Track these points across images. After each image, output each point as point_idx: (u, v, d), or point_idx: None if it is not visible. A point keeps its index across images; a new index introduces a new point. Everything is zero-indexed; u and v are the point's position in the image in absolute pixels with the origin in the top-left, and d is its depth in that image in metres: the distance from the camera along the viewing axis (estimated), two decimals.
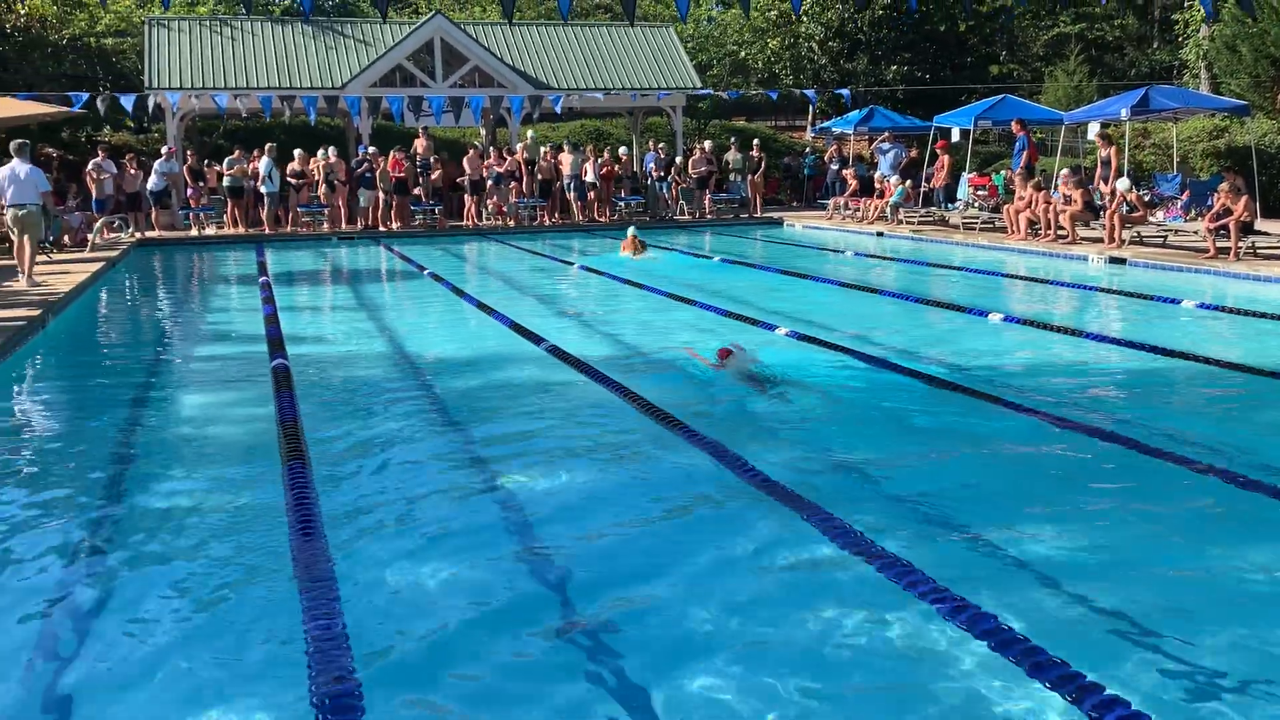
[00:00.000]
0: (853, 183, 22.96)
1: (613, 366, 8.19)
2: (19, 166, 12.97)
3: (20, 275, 13.10)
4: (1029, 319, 10.28)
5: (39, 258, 13.79)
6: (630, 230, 17.30)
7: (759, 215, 24.38)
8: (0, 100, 17.92)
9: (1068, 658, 3.30)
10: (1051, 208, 16.88)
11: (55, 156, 23.70)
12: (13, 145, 13.23)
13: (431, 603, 4.10)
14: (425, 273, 15.20)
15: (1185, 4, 32.23)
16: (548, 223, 23.14)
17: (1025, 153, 18.64)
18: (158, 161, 21.29)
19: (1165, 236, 16.16)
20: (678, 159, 24.97)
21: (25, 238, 12.94)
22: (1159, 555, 4.56)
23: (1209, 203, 15.67)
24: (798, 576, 4.33)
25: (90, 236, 18.32)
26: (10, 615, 4.05)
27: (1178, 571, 4.39)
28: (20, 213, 12.88)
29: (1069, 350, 9.00)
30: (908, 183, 21.54)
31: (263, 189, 21.42)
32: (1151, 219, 16.35)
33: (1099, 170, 17.48)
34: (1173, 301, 11.07)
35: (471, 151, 23.44)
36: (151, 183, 21.15)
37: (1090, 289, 12.51)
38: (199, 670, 3.62)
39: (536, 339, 9.33)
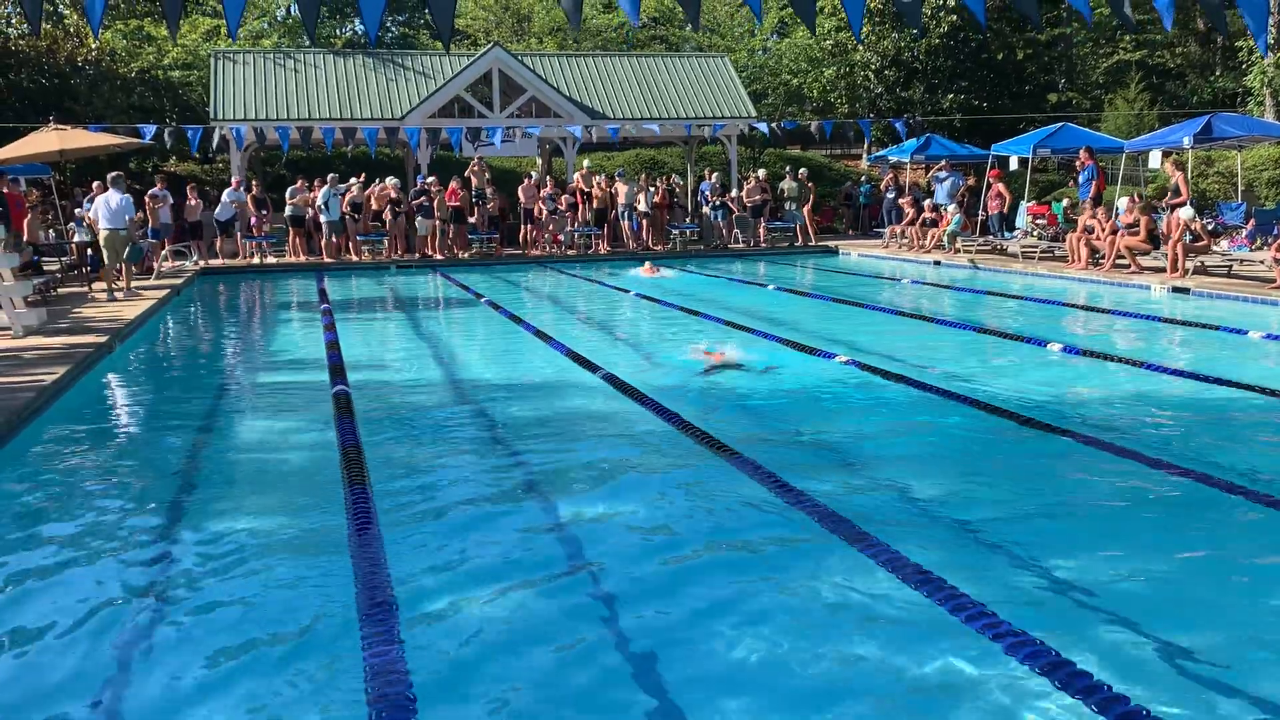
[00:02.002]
0: (910, 210, 22.83)
1: (669, 395, 8.20)
2: (111, 195, 15.06)
3: (109, 291, 15.00)
4: (1090, 349, 10.14)
5: (119, 280, 15.46)
6: (647, 263, 19.82)
7: (814, 244, 24.33)
8: (73, 131, 18.39)
9: (1134, 695, 3.25)
10: (1116, 236, 16.66)
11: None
12: (109, 177, 15.30)
13: (490, 629, 4.12)
14: (482, 300, 15.34)
15: (1249, 32, 31.77)
16: (603, 250, 23.26)
17: (1094, 182, 18.41)
18: (226, 191, 21.78)
19: (1230, 266, 15.89)
20: (733, 191, 25.06)
21: (115, 257, 15.04)
22: (1226, 590, 4.47)
23: (1275, 231, 15.40)
24: (852, 607, 4.29)
25: (155, 265, 18.71)
26: (73, 632, 4.13)
27: (1245, 607, 4.29)
28: (110, 235, 14.90)
29: (1131, 381, 8.86)
30: (963, 208, 21.41)
31: (322, 218, 21.79)
32: (1215, 248, 16.09)
33: (1168, 197, 17.24)
34: (1238, 332, 10.86)
35: (526, 180, 23.68)
36: (218, 212, 21.65)
37: (1153, 319, 12.31)
38: (256, 693, 3.66)
39: (593, 367, 9.37)
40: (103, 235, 15.02)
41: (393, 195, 22.41)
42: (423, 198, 22.21)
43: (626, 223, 23.57)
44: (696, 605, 4.32)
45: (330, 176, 22.00)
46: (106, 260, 15.20)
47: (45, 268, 16.67)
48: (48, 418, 8.01)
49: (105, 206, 14.95)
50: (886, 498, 5.79)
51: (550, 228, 23.21)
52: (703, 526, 5.33)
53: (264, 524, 5.39)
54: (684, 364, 9.95)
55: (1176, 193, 16.79)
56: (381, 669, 3.57)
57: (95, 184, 19.44)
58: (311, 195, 22.10)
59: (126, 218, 14.99)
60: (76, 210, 18.65)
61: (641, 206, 23.50)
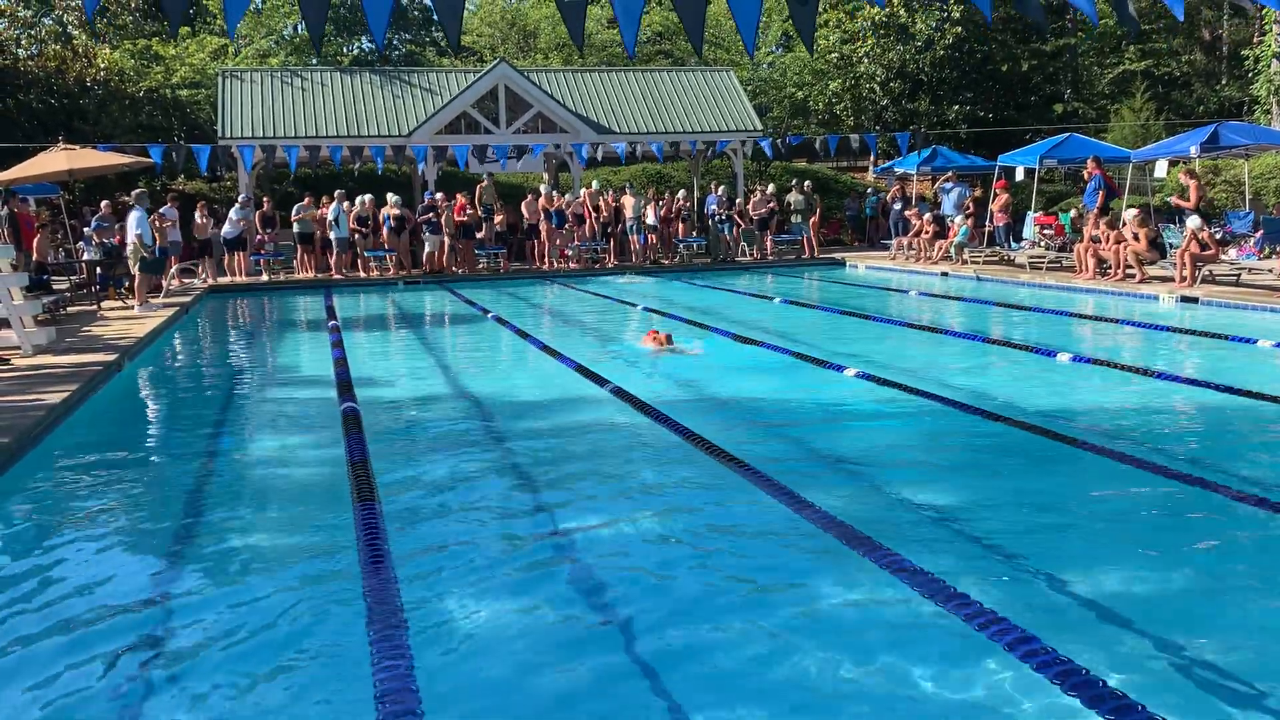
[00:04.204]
0: (917, 222, 22.77)
1: (677, 408, 8.19)
2: (131, 212, 16.28)
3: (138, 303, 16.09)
4: (1099, 359, 10.11)
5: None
6: (626, 275, 21.73)
7: (819, 256, 24.34)
8: (81, 151, 18.47)
9: (1149, 704, 3.23)
10: (1121, 247, 16.64)
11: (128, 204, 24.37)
12: (133, 194, 16.70)
13: (499, 644, 4.11)
14: (489, 316, 15.36)
15: (1255, 40, 31.81)
16: (610, 264, 23.28)
17: (1101, 191, 18.37)
18: (233, 209, 21.84)
19: (1238, 275, 15.84)
20: (739, 200, 25.09)
21: (136, 269, 16.25)
22: (1239, 599, 4.44)
23: None
24: (861, 617, 4.27)
25: (164, 283, 18.76)
26: (84, 649, 4.13)
27: (1259, 616, 4.27)
28: (128, 250, 16.26)
29: (1140, 390, 8.83)
30: (969, 221, 21.38)
31: (331, 235, 21.84)
32: (1224, 257, 16.05)
33: (1177, 198, 17.33)
34: (1248, 341, 10.82)
35: (531, 196, 23.72)
36: (225, 230, 21.69)
37: (1162, 328, 12.28)
38: (267, 710, 3.66)
39: (601, 381, 9.37)
40: (129, 249, 16.25)
41: (395, 212, 22.44)
42: (430, 214, 22.27)
43: (634, 236, 23.61)
44: (708, 618, 4.31)
45: (338, 193, 22.08)
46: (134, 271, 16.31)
47: (54, 286, 16.73)
48: (57, 436, 8.03)
49: (129, 223, 16.18)
50: (895, 508, 5.78)
51: (557, 242, 23.26)
52: (713, 538, 5.32)
53: (273, 541, 5.39)
54: (691, 375, 9.95)
55: (1185, 198, 16.87)
56: (391, 684, 3.56)
57: (104, 203, 19.53)
58: (319, 212, 22.17)
59: (136, 232, 15.88)
60: (85, 229, 18.72)
61: (649, 220, 23.55)
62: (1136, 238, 16.42)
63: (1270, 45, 29.23)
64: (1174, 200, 18.27)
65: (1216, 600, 4.45)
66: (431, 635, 4.15)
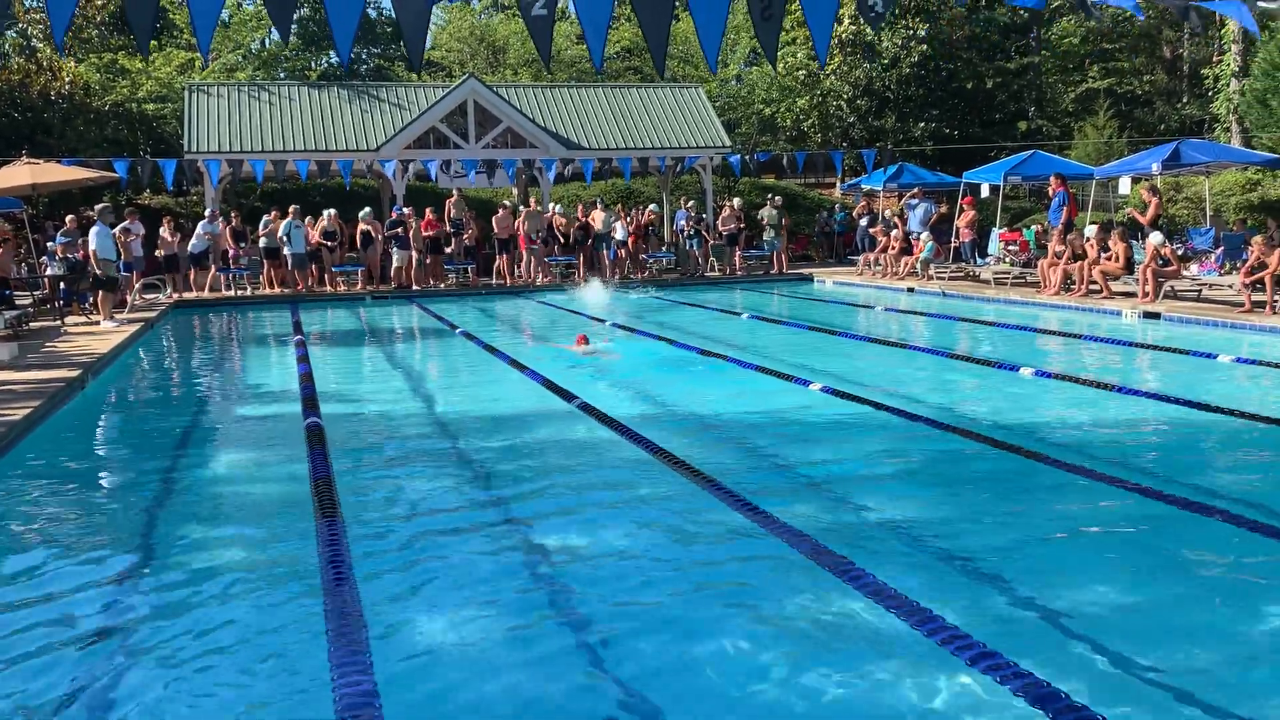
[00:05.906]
0: (883, 239, 22.93)
1: (643, 423, 8.20)
2: (93, 227, 16.47)
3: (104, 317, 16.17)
4: (1062, 374, 10.21)
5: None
6: (595, 280, 22.12)
7: (787, 271, 24.45)
8: (45, 165, 18.32)
9: (1109, 714, 3.26)
10: (1086, 263, 16.82)
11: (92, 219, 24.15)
12: (96, 208, 16.77)
13: (463, 660, 4.10)
14: (457, 331, 15.32)
15: (1215, 59, 32.33)
16: (580, 280, 23.29)
17: (1065, 208, 18.60)
18: (200, 223, 21.67)
19: (1199, 290, 16.05)
20: (705, 216, 25.22)
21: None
22: (1196, 612, 4.49)
23: (1244, 256, 15.58)
24: (829, 633, 4.29)
25: (129, 298, 18.60)
26: (46, 668, 4.08)
27: (1215, 629, 4.32)
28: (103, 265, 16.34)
29: (1103, 405, 8.92)
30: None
31: (285, 250, 21.64)
32: (1185, 273, 16.26)
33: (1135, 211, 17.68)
34: (1209, 356, 10.97)
35: (501, 210, 23.70)
36: (191, 244, 21.51)
37: (1125, 344, 12.41)
38: None
39: (568, 396, 9.36)
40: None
41: (364, 227, 22.36)
42: (399, 229, 22.20)
43: (604, 251, 23.63)
44: (674, 632, 4.31)
45: (292, 208, 21.87)
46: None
47: (17, 302, 16.56)
48: (18, 453, 7.93)
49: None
50: (858, 521, 5.80)
51: (525, 252, 23.30)
52: (678, 552, 5.33)
53: (235, 559, 5.35)
54: (658, 390, 9.97)
55: (1143, 212, 17.21)
56: (353, 699, 3.54)
57: (69, 217, 19.34)
58: (277, 226, 21.97)
59: (93, 247, 16.13)
60: (49, 244, 18.53)
61: (618, 235, 23.59)
62: (1108, 251, 16.58)
63: (1229, 65, 29.73)
64: (1132, 213, 18.63)
65: (1179, 613, 4.50)
66: (394, 650, 4.13)
